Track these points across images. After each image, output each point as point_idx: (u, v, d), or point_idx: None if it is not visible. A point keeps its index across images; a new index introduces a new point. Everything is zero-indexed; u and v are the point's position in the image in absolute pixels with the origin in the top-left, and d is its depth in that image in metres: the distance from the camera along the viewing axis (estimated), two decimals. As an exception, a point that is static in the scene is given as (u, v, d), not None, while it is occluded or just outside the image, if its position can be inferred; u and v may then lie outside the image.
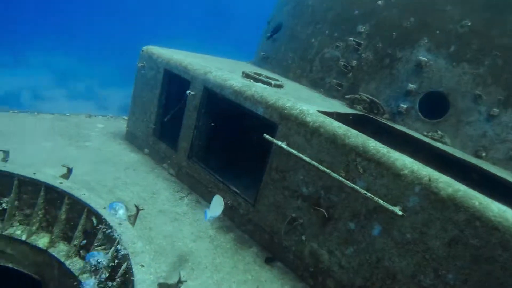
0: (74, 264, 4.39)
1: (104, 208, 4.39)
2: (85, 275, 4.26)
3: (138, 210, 4.58)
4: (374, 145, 4.61)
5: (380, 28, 7.27)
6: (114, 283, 3.77)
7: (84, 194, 4.50)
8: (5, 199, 4.53)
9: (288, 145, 5.29)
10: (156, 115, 7.78)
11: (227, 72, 6.84)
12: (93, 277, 4.00)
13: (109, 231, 4.23)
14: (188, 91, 6.85)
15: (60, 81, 34.44)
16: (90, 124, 9.41)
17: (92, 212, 4.37)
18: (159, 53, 7.80)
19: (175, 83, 7.61)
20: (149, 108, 7.91)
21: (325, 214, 4.93)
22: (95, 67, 39.41)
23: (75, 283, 4.26)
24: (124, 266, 3.82)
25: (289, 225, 5.45)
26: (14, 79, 30.20)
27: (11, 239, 4.51)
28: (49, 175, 4.63)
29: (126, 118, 10.48)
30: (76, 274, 4.27)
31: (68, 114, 9.68)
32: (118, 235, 4.09)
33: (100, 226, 4.32)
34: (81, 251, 4.51)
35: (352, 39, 7.54)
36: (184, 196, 6.77)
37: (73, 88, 33.77)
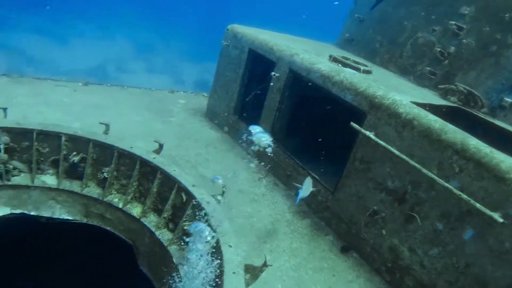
0: (163, 235, 4.58)
1: (194, 185, 4.48)
2: (173, 247, 4.45)
3: (224, 190, 4.60)
4: (475, 144, 4.14)
5: (489, 10, 6.43)
6: (203, 259, 3.85)
7: (175, 170, 4.62)
8: (106, 168, 4.81)
9: (376, 135, 4.97)
10: (237, 95, 7.78)
11: (314, 55, 6.56)
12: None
13: (198, 208, 4.32)
14: (273, 73, 6.71)
15: (140, 54, 36.20)
16: (173, 100, 9.72)
17: (182, 188, 4.49)
18: (244, 32, 7.71)
19: (258, 63, 7.50)
20: (231, 87, 7.92)
21: (411, 213, 4.62)
22: (173, 42, 40.76)
23: (163, 252, 4.48)
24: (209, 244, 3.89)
25: (370, 218, 5.19)
26: (101, 51, 32.35)
27: (110, 206, 4.81)
28: (144, 150, 4.82)
29: (205, 95, 10.69)
30: (165, 244, 4.45)
31: (153, 89, 10.08)
32: (206, 213, 4.16)
33: (189, 203, 4.43)
34: (169, 224, 4.69)
35: (453, 22, 6.78)
36: (262, 178, 6.75)
37: (152, 61, 35.35)
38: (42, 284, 6.61)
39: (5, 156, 4.36)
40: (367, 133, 5.01)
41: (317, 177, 6.14)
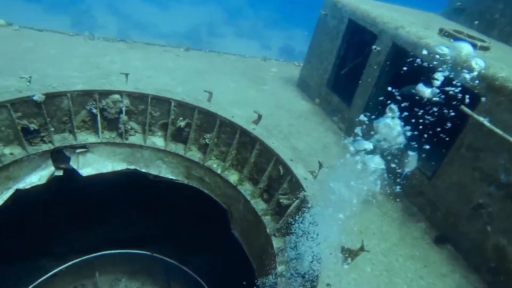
0: (258, 204, 4.65)
1: (291, 160, 4.42)
2: (266, 217, 4.51)
3: (320, 166, 4.47)
4: None
5: None
6: (300, 237, 3.84)
7: (273, 143, 4.59)
8: (208, 135, 4.96)
9: (491, 122, 4.36)
10: (332, 66, 7.40)
11: (421, 28, 5.88)
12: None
13: (294, 183, 4.27)
14: (374, 46, 6.20)
15: (230, 20, 36.52)
16: (265, 68, 9.63)
17: (280, 161, 4.45)
18: (344, 1, 7.18)
19: (357, 35, 6.99)
20: (326, 58, 7.56)
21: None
22: (262, 7, 40.31)
23: (257, 221, 4.57)
24: (307, 221, 3.84)
25: (473, 211, 4.69)
26: (196, 16, 33.26)
27: (209, 170, 5.00)
28: (244, 120, 4.84)
29: (296, 64, 10.42)
30: (260, 213, 4.53)
31: (246, 56, 10.08)
32: (303, 190, 4.10)
33: (286, 176, 4.40)
34: (264, 194, 4.74)
35: None
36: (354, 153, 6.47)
37: (241, 26, 35.50)
38: (145, 230, 7.30)
39: (126, 118, 4.70)
40: (481, 119, 4.43)
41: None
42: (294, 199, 4.22)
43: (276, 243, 4.21)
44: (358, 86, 6.64)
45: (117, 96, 4.63)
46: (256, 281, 4.47)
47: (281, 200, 4.32)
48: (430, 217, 5.35)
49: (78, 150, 4.56)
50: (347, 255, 3.59)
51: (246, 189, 4.83)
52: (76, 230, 6.85)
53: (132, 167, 5.05)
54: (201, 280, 6.57)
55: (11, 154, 4.04)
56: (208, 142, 4.98)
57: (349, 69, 7.16)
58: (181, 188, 5.29)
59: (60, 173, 4.60)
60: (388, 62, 6.08)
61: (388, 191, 5.75)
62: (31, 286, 5.62)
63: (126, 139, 4.85)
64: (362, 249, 3.60)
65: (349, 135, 6.85)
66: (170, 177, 5.18)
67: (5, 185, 4.03)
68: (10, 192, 4.07)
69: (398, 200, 5.64)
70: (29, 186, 4.24)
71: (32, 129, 4.14)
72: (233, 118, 4.82)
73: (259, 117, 5.04)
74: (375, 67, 6.26)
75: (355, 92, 6.73)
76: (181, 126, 4.89)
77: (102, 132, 4.76)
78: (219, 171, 4.95)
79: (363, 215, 5.14)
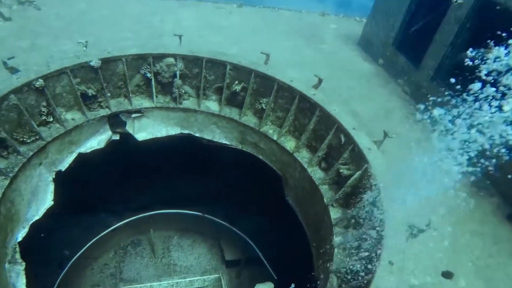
0: (315, 173, 4.52)
1: (354, 128, 4.18)
2: (324, 186, 4.39)
3: (386, 135, 4.18)
4: None
5: None
6: (364, 211, 3.70)
7: (335, 109, 4.35)
8: (265, 100, 4.81)
9: None
10: (400, 24, 6.79)
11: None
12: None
13: (356, 152, 4.06)
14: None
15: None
16: (323, 24, 9.10)
17: (341, 130, 4.23)
18: None
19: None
20: (393, 14, 6.92)
21: None
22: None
23: (314, 190, 4.46)
24: (371, 195, 3.67)
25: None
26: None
27: (265, 136, 4.90)
28: (304, 84, 4.61)
29: (358, 19, 9.73)
30: (317, 182, 4.41)
31: (303, 12, 9.55)
32: (366, 161, 3.88)
33: (347, 146, 4.19)
34: (322, 162, 4.58)
35: None
36: (419, 121, 6.04)
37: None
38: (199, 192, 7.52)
39: (180, 82, 4.67)
40: None
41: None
42: (356, 170, 4.04)
43: (334, 213, 4.10)
44: (430, 45, 6.05)
45: (171, 60, 4.57)
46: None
47: (341, 170, 4.15)
48: (504, 192, 4.95)
49: (133, 115, 4.64)
50: (412, 232, 3.41)
51: (303, 156, 4.69)
52: (131, 189, 7.21)
53: (186, 131, 5.09)
54: (251, 241, 6.72)
55: (73, 119, 4.21)
56: (264, 107, 4.84)
57: (420, 26, 6.52)
58: (234, 153, 5.28)
59: (117, 137, 4.75)
60: (470, 17, 5.42)
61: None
62: (95, 238, 6.04)
63: (180, 103, 4.85)
64: (429, 225, 3.38)
65: (416, 99, 6.37)
66: (224, 142, 5.17)
67: (69, 149, 4.24)
68: (73, 156, 4.29)
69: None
70: (89, 150, 4.43)
71: (90, 94, 4.25)
72: (291, 82, 4.60)
73: (320, 81, 4.77)
74: (454, 23, 5.62)
75: (425, 52, 6.15)
76: (237, 90, 4.78)
77: (157, 97, 4.79)
78: (275, 137, 4.83)
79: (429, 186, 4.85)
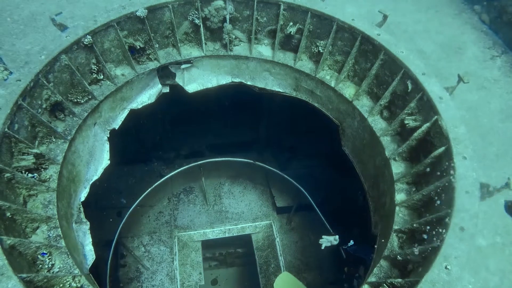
0: (376, 123, 4.51)
1: (424, 74, 4.05)
2: (386, 138, 4.39)
3: (460, 80, 4.03)
4: None
5: None
6: (430, 168, 3.73)
7: (402, 52, 4.19)
8: (322, 42, 4.71)
9: None
10: None
11: None
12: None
13: (425, 102, 3.98)
14: None
15: None
16: None
17: (408, 76, 4.12)
18: None
19: None
20: None
21: None
22: None
23: (374, 141, 4.49)
24: (439, 151, 3.66)
25: None
26: None
27: (321, 83, 4.88)
28: (367, 23, 4.43)
29: None
30: (378, 133, 4.42)
31: None
32: (437, 112, 3.81)
33: (414, 93, 4.10)
34: (384, 111, 4.55)
35: None
36: (497, 56, 5.68)
37: None
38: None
39: (230, 26, 4.64)
40: None
41: None
42: (423, 122, 3.99)
43: (396, 168, 4.15)
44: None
45: (220, 3, 4.51)
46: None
47: (406, 121, 4.10)
48: None
49: (183, 66, 4.74)
50: (485, 193, 3.42)
51: (363, 104, 4.66)
52: (182, 137, 7.60)
53: (237, 80, 5.16)
54: (303, 189, 6.99)
55: (123, 75, 4.39)
56: (321, 51, 4.75)
57: None
58: (288, 100, 5.33)
59: (167, 90, 4.92)
60: None
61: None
62: (151, 187, 6.55)
63: (231, 50, 4.87)
64: (507, 184, 3.35)
65: (497, 29, 5.92)
66: (277, 89, 5.21)
67: (121, 106, 4.49)
68: (125, 113, 4.54)
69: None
70: (140, 106, 4.67)
71: (138, 47, 4.36)
72: (353, 21, 4.44)
73: (385, 18, 4.55)
74: None
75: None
76: (291, 33, 4.69)
77: (206, 44, 4.82)
78: (332, 84, 4.79)
79: (501, 136, 4.73)
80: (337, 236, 4.91)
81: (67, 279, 3.18)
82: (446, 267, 2.97)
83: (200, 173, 7.29)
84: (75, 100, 4.06)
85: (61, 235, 3.43)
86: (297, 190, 6.95)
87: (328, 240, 4.93)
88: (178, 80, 4.89)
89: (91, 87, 4.24)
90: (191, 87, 4.98)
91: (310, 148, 7.49)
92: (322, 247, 4.93)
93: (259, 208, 7.53)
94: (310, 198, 6.92)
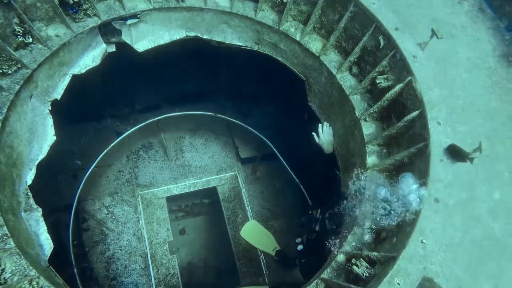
0: (345, 80, 4.12)
1: (397, 29, 3.62)
2: (355, 96, 4.04)
3: (433, 33, 3.64)
4: None
5: None
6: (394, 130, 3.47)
7: (374, 4, 3.70)
8: (286, -10, 4.08)
9: None
10: None
11: None
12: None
13: (398, 60, 3.61)
14: None
15: None
16: None
17: (380, 30, 3.68)
18: None
19: None
20: None
21: None
22: None
23: (343, 99, 4.13)
24: (413, 114, 3.37)
25: None
26: None
27: (286, 36, 4.33)
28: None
29: None
30: (347, 92, 4.05)
31: None
32: (410, 72, 3.46)
33: (386, 50, 3.70)
34: (353, 67, 4.14)
35: None
36: (464, -2, 5.26)
37: None
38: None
39: (179, -28, 3.88)
40: None
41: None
42: (396, 82, 3.65)
43: (366, 128, 3.87)
44: None
45: None
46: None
47: (377, 81, 3.76)
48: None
49: (129, 21, 3.99)
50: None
51: (331, 60, 4.22)
52: (136, 92, 6.88)
53: (192, 34, 4.48)
54: (266, 139, 6.69)
55: (57, 36, 3.60)
56: (285, 0, 4.14)
57: None
58: (249, 53, 4.77)
59: (113, 48, 4.19)
60: None
61: (504, 52, 4.88)
62: (108, 147, 5.98)
63: (183, 0, 4.13)
64: (479, 149, 3.14)
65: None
66: (237, 43, 4.61)
67: (60, 72, 3.75)
68: (67, 80, 3.82)
69: (516, 62, 4.82)
70: (84, 70, 3.94)
71: (71, 1, 3.54)
72: (318, -33, 3.82)
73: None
74: None
75: None
76: (250, -20, 4.01)
77: (153, -6, 4.04)
78: (297, 37, 4.27)
79: (467, 88, 4.52)
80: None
81: (23, 285, 2.75)
82: (422, 241, 2.83)
83: (158, 129, 6.73)
84: (0, 71, 3.30)
85: (8, 234, 2.93)
86: (260, 139, 6.63)
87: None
88: (125, 37, 4.15)
89: (18, 53, 3.46)
90: (141, 45, 4.27)
91: (274, 95, 7.04)
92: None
93: (223, 159, 7.19)
94: (273, 148, 6.65)
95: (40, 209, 3.44)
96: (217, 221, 7.18)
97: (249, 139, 7.08)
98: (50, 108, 3.72)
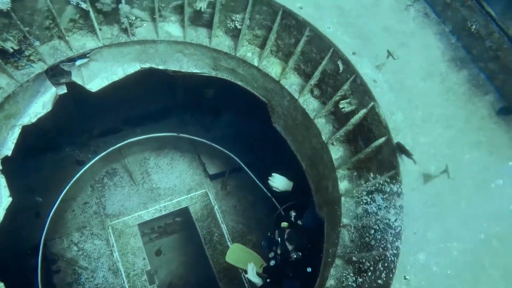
0: (308, 103, 4.04)
1: (354, 53, 3.55)
2: (320, 120, 3.97)
3: (389, 54, 3.62)
4: None
5: None
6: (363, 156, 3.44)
7: (329, 28, 3.61)
8: (238, 16, 3.91)
9: None
10: None
11: None
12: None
13: (359, 85, 3.55)
14: None
15: None
16: None
17: (338, 55, 3.60)
18: None
19: None
20: None
21: None
22: None
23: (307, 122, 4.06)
24: (380, 141, 3.34)
25: None
26: None
27: (243, 62, 4.17)
28: (289, -5, 3.69)
29: None
30: (312, 116, 3.98)
31: None
32: (372, 97, 3.42)
33: (346, 74, 3.63)
34: (315, 90, 4.06)
35: None
36: (410, 5, 5.28)
37: None
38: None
39: (127, 7, 3.59)
40: None
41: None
42: (358, 105, 3.60)
43: (335, 153, 3.82)
44: None
45: (109, -21, 3.41)
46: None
47: (341, 105, 3.69)
48: (500, 86, 4.77)
49: (78, 62, 3.68)
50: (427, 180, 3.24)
51: (292, 83, 4.12)
52: (92, 115, 6.47)
53: (146, 65, 4.23)
54: (230, 153, 6.55)
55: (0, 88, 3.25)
56: (238, 26, 3.97)
57: None
58: (208, 81, 4.58)
59: (64, 90, 3.86)
60: None
61: (453, 57, 4.97)
62: (72, 180, 5.62)
63: (133, 34, 3.86)
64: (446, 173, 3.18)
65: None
66: (194, 70, 4.40)
67: (8, 125, 3.41)
68: (17, 132, 3.48)
69: (464, 67, 4.92)
70: (35, 119, 3.61)
71: (11, 49, 3.20)
72: (271, -7, 3.66)
73: (305, -15, 3.83)
74: None
75: None
76: (202, 9, 3.79)
77: (101, 30, 3.74)
78: (255, 62, 4.12)
79: (425, 97, 4.56)
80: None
81: None
82: (405, 278, 2.81)
83: (121, 155, 6.41)
84: None
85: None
86: (227, 155, 6.48)
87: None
88: (76, 79, 3.85)
89: (-44, 113, 3.10)
90: (94, 85, 3.97)
91: (237, 109, 6.86)
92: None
93: (191, 178, 6.97)
94: (240, 161, 6.53)
95: None
96: (193, 237, 7.00)
97: (215, 154, 6.89)
98: (1, 167, 3.37)
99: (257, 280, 4.46)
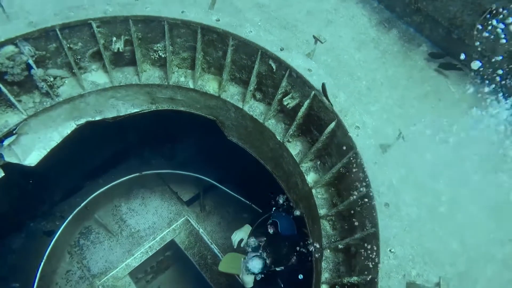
0: (254, 109, 3.98)
1: (282, 49, 3.52)
2: (270, 121, 3.93)
3: (316, 40, 3.61)
4: None
5: None
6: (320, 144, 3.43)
7: (251, 32, 3.56)
8: (159, 45, 3.79)
9: None
10: None
11: None
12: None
13: (296, 78, 3.52)
14: None
15: None
16: None
17: (268, 55, 3.56)
18: None
19: None
20: None
21: None
22: None
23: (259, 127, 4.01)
24: (331, 126, 3.33)
25: (485, 20, 4.24)
26: None
27: (179, 88, 4.05)
28: (201, 12, 3.61)
29: None
30: (261, 120, 3.93)
31: None
32: (311, 86, 3.41)
33: (281, 70, 3.59)
34: (256, 94, 4.00)
35: None
36: (324, -19, 5.34)
37: None
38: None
39: (41, 71, 3.39)
40: None
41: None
42: (301, 98, 3.58)
43: (293, 149, 3.80)
44: None
45: (11, 48, 3.18)
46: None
47: (285, 102, 3.64)
48: (430, 36, 4.91)
49: (6, 142, 3.44)
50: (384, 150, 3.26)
51: (233, 93, 4.04)
52: (48, 184, 6.15)
53: (82, 121, 4.02)
54: (201, 175, 6.46)
55: None
56: (162, 55, 3.85)
57: None
58: (150, 116, 4.44)
59: (1, 174, 3.61)
60: None
61: (379, 20, 5.07)
62: (48, 249, 5.33)
63: (57, 95, 3.65)
64: (401, 137, 3.22)
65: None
66: (133, 110, 4.24)
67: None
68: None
69: (392, 27, 5.02)
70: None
71: None
72: (183, 13, 3.56)
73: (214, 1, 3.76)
74: None
75: None
76: (120, 50, 3.64)
77: (20, 102, 3.51)
78: (191, 85, 4.01)
79: (364, 66, 4.63)
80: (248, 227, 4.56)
81: None
82: (390, 251, 2.81)
83: (89, 212, 6.15)
84: None
85: None
86: (198, 179, 6.38)
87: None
88: (9, 159, 3.59)
89: None
90: (32, 159, 3.72)
91: (192, 131, 6.73)
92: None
93: (167, 210, 6.77)
94: (209, 179, 6.46)
95: None
96: (187, 266, 6.83)
97: (184, 179, 6.74)
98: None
99: (250, 279, 4.39)
